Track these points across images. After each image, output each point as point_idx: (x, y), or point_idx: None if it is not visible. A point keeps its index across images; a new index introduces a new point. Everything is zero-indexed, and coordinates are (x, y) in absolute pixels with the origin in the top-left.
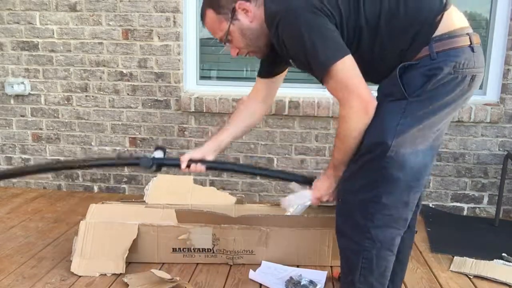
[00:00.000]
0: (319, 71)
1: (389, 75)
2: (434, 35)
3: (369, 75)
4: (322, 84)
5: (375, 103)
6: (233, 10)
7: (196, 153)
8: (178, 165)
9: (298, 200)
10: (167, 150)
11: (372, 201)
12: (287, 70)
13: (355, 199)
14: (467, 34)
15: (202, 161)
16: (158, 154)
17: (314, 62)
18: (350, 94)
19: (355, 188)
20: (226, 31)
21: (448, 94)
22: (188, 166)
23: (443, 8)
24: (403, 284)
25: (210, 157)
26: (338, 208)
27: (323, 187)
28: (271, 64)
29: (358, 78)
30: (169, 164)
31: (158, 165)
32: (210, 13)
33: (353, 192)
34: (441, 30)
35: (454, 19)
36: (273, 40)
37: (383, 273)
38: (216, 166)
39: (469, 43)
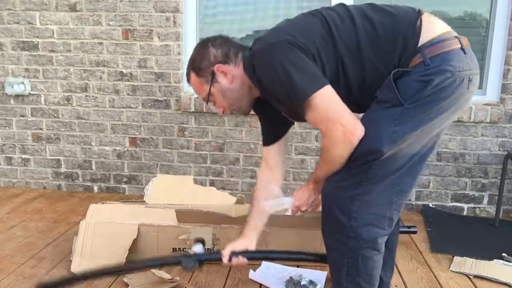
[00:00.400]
0: (298, 104)
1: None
2: (424, 42)
3: (366, 102)
4: (304, 118)
5: (359, 131)
6: (213, 73)
7: (238, 245)
8: (219, 259)
9: (277, 205)
10: (205, 240)
11: (354, 199)
12: (289, 129)
13: (338, 196)
14: (456, 37)
15: (243, 252)
16: (198, 247)
17: (293, 95)
18: (332, 125)
19: (340, 185)
20: (207, 93)
21: (447, 98)
22: (230, 259)
23: (418, 13)
24: (403, 284)
25: (252, 246)
26: (322, 206)
27: (304, 197)
28: (271, 129)
29: (339, 106)
30: (211, 259)
31: (200, 262)
32: (192, 76)
33: (337, 190)
34: (429, 36)
35: (437, 25)
36: (255, 85)
37: (370, 273)
38: (259, 257)
39: (459, 45)
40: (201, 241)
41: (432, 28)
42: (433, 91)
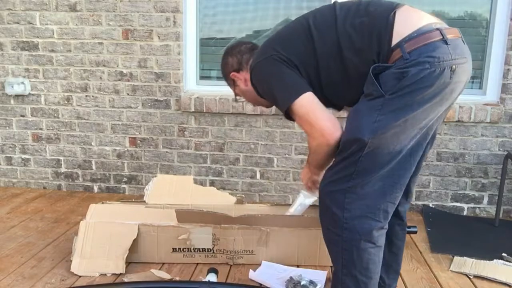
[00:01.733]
0: (284, 111)
1: None
2: (403, 37)
3: (354, 99)
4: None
5: (337, 133)
6: (232, 79)
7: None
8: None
9: (301, 207)
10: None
11: (348, 192)
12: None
13: (332, 189)
14: (437, 29)
15: None
16: (212, 277)
17: (277, 105)
18: (312, 128)
19: (332, 179)
20: (234, 94)
21: (427, 89)
22: None
23: (394, 8)
24: (403, 284)
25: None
26: (319, 200)
27: (303, 174)
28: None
29: (318, 112)
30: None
31: None
32: (225, 80)
33: (330, 183)
34: (407, 30)
35: (415, 18)
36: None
37: (366, 266)
38: None
39: (440, 37)
40: (215, 271)
41: (410, 22)
42: (412, 81)
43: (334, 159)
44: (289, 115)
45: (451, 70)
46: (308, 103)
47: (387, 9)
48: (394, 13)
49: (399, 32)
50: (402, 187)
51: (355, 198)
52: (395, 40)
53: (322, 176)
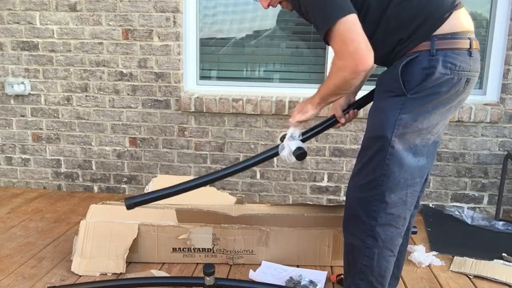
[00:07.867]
0: (322, 26)
1: (388, 62)
2: (438, 33)
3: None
4: (324, 41)
5: (369, 61)
6: None
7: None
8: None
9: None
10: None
11: (375, 199)
12: None
13: (360, 195)
14: (469, 38)
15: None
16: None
17: (320, 17)
18: (346, 48)
19: (361, 184)
20: None
21: (444, 94)
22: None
23: (454, 7)
24: (403, 284)
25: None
26: (346, 204)
27: (299, 107)
28: None
29: (359, 34)
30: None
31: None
32: None
33: (358, 189)
34: (446, 29)
35: (461, 21)
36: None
37: (383, 273)
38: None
39: (468, 47)
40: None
41: (457, 23)
42: (432, 84)
43: (359, 160)
44: (324, 31)
45: (466, 81)
46: (353, 23)
47: (448, 2)
48: (451, 13)
49: (442, 28)
50: (417, 194)
51: (382, 207)
52: (435, 32)
53: (349, 182)
